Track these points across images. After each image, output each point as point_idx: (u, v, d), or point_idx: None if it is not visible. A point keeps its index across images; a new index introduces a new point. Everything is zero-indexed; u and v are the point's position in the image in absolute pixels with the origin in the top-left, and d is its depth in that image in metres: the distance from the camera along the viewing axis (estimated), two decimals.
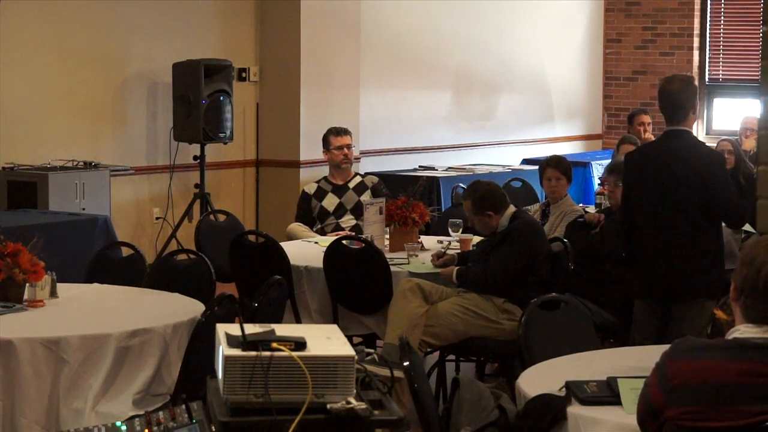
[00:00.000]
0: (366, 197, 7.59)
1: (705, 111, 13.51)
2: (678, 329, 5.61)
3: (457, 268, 6.20)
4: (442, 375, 6.37)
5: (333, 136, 7.84)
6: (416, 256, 6.63)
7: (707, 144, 6.65)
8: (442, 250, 6.52)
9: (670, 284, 5.68)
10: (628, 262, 6.00)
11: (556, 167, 7.32)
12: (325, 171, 8.05)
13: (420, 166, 11.27)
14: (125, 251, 6.35)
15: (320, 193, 7.76)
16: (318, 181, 7.87)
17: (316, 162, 9.87)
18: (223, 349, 3.10)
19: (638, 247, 5.82)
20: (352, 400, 3.08)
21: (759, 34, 7.43)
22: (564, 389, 3.68)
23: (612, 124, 14.07)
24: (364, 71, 10.79)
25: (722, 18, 13.51)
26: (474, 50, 12.29)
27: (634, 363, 4.04)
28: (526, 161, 12.03)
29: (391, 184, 8.04)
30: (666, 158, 5.70)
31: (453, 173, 10.79)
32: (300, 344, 3.10)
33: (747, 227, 7.07)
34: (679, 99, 5.74)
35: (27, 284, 5.04)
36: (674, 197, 5.65)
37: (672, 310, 5.73)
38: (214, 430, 3.06)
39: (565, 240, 6.51)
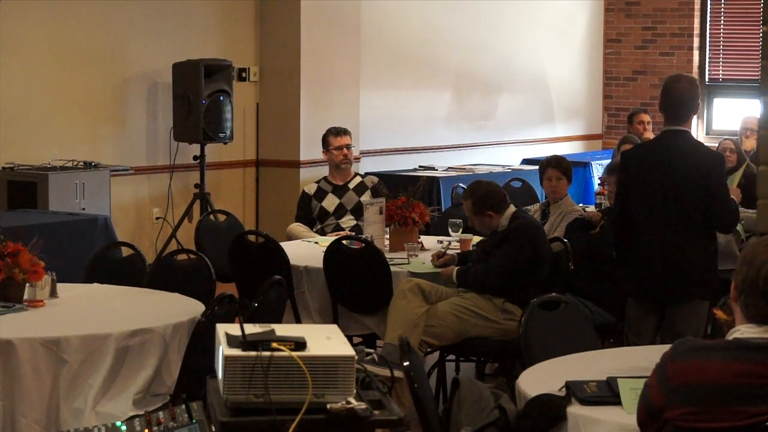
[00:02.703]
0: (366, 197, 7.58)
1: (705, 111, 13.51)
2: (672, 329, 5.61)
3: (457, 268, 6.20)
4: (442, 375, 6.37)
5: (332, 136, 7.84)
6: (416, 256, 6.63)
7: (707, 144, 6.65)
8: (442, 250, 6.52)
9: (666, 285, 5.66)
10: (620, 261, 5.98)
11: (556, 167, 7.32)
12: (325, 171, 8.04)
13: (420, 166, 11.26)
14: (125, 251, 6.35)
15: (320, 194, 7.76)
16: (318, 182, 7.86)
17: (316, 162, 9.87)
18: (223, 349, 3.10)
19: (635, 246, 5.79)
20: (352, 400, 3.08)
21: (759, 34, 7.43)
22: (564, 389, 3.68)
23: (612, 124, 14.07)
24: (364, 71, 10.79)
25: (722, 18, 13.51)
26: (474, 50, 12.29)
27: (634, 363, 4.04)
28: (526, 161, 12.03)
29: (391, 184, 8.04)
30: (668, 158, 5.67)
31: (453, 173, 10.78)
32: (300, 344, 3.10)
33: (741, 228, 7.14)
34: (684, 99, 5.72)
35: (27, 284, 5.04)
36: (676, 197, 5.63)
37: (666, 310, 5.72)
38: (214, 430, 3.06)
39: (565, 240, 6.52)
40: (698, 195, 5.61)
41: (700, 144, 6.07)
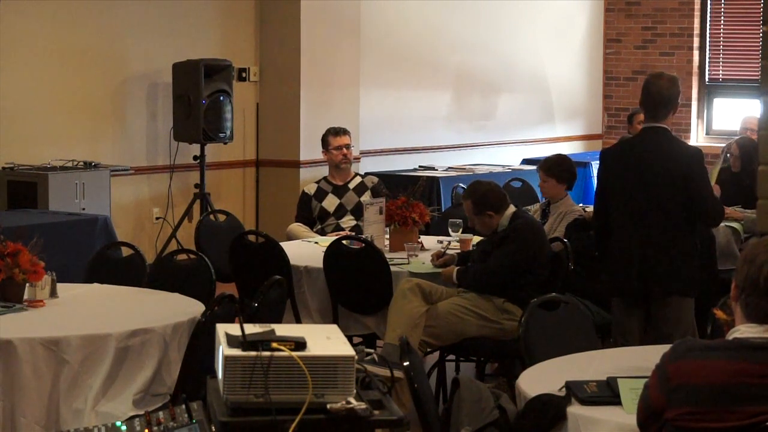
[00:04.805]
0: (366, 197, 7.59)
1: (705, 111, 13.51)
2: (657, 328, 5.61)
3: (457, 268, 6.20)
4: (442, 375, 6.37)
5: (332, 136, 7.84)
6: (416, 256, 6.63)
7: (707, 145, 6.66)
8: (442, 250, 6.52)
9: (646, 282, 5.67)
10: (601, 260, 5.97)
11: (540, 168, 7.36)
12: (325, 171, 8.05)
13: (420, 166, 11.27)
14: (125, 251, 6.35)
15: (320, 194, 7.76)
16: (318, 182, 7.87)
17: (316, 162, 9.88)
18: (223, 349, 3.10)
19: (614, 244, 5.79)
20: (352, 400, 3.08)
21: (759, 34, 7.43)
22: (564, 389, 3.68)
23: (612, 124, 14.07)
24: (364, 71, 10.79)
25: (722, 18, 13.51)
26: (474, 50, 12.29)
27: (634, 363, 4.04)
28: (526, 161, 12.03)
29: (391, 184, 8.04)
30: (647, 155, 5.69)
31: (453, 173, 10.79)
32: (300, 344, 3.10)
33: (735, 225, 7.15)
34: (664, 96, 5.73)
35: (27, 284, 5.04)
36: (654, 194, 5.64)
37: (650, 308, 5.73)
38: (214, 430, 3.06)
39: (565, 240, 6.51)
40: (678, 191, 5.62)
41: (680, 141, 6.08)
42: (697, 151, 5.84)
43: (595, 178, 11.05)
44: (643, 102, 5.81)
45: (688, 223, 5.71)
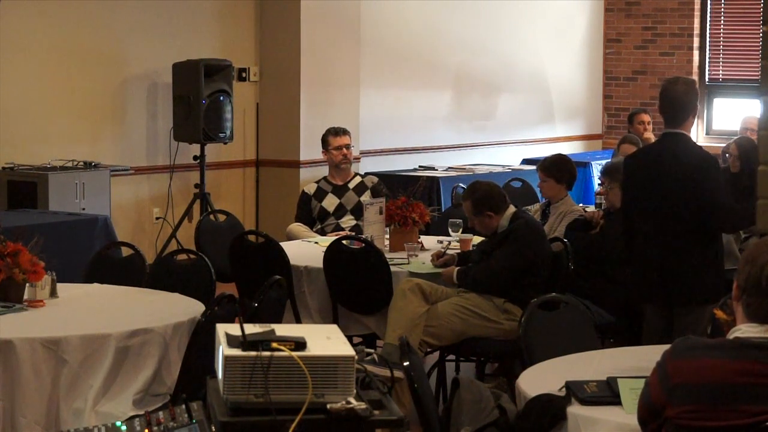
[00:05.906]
0: (366, 197, 7.59)
1: (705, 111, 13.51)
2: (680, 333, 5.59)
3: (457, 268, 6.20)
4: (442, 375, 6.37)
5: (332, 136, 7.84)
6: (416, 256, 6.63)
7: (707, 145, 6.64)
8: (442, 250, 6.52)
9: (668, 289, 5.66)
10: (628, 266, 5.97)
11: (539, 168, 7.37)
12: (325, 171, 8.04)
13: (420, 166, 11.26)
14: (125, 251, 6.35)
15: (320, 194, 7.76)
16: (318, 182, 7.87)
17: (316, 162, 9.88)
18: (223, 349, 3.10)
19: (636, 251, 5.79)
20: (352, 400, 3.08)
21: (759, 34, 7.42)
22: (564, 389, 3.68)
23: (612, 124, 14.07)
24: (364, 71, 10.79)
25: (722, 18, 13.50)
26: (474, 50, 12.29)
27: (634, 363, 4.04)
28: (526, 161, 12.03)
29: (391, 184, 8.04)
30: (663, 162, 5.67)
31: (453, 173, 10.78)
32: (300, 344, 3.10)
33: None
34: (682, 101, 5.70)
35: (27, 284, 5.04)
36: (671, 202, 5.62)
37: (674, 313, 5.72)
38: (214, 430, 3.06)
39: (565, 240, 6.51)
40: (690, 199, 5.59)
41: (697, 147, 6.02)
42: (710, 159, 5.76)
43: (596, 179, 11.09)
44: (660, 108, 5.78)
45: (707, 231, 5.66)
